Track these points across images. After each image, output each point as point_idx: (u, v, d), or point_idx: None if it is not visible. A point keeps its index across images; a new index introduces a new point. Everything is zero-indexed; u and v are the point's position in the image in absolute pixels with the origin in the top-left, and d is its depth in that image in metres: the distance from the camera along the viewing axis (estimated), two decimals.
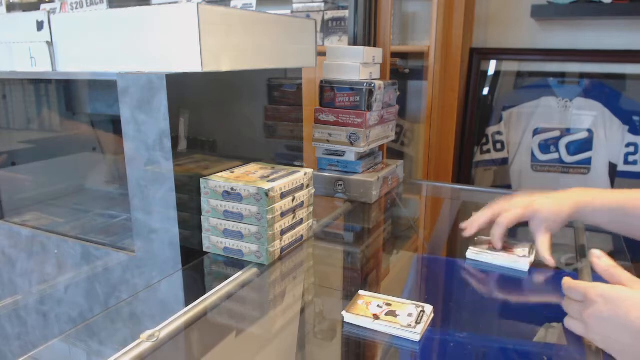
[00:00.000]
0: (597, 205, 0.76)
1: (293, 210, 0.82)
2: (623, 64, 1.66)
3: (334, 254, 0.91)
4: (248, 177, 0.80)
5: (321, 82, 1.11)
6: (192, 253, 0.80)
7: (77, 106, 1.20)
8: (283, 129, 1.02)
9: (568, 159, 1.72)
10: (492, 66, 1.82)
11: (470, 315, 0.66)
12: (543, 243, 0.78)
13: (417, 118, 1.90)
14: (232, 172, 0.83)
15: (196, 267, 0.79)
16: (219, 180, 0.78)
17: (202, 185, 0.79)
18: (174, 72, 0.72)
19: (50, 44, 0.83)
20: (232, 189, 0.76)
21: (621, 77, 1.66)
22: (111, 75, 0.77)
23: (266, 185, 0.74)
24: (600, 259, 0.60)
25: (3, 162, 1.09)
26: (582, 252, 0.85)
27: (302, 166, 1.07)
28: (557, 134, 1.73)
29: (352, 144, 1.09)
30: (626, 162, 1.64)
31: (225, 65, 0.75)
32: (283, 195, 0.78)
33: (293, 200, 0.81)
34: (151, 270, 0.80)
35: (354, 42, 1.23)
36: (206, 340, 0.62)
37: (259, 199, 0.74)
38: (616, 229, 0.78)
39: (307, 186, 0.85)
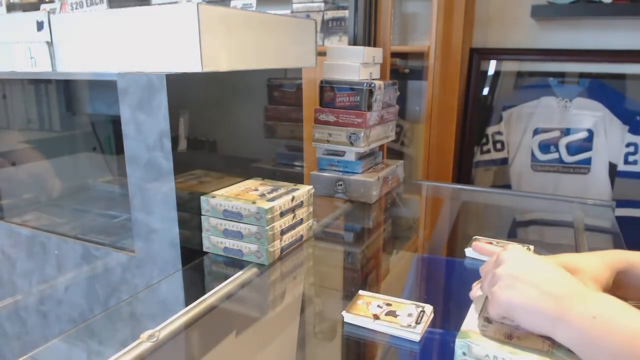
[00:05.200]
0: None
1: (293, 210, 0.82)
2: (623, 64, 1.66)
3: (334, 254, 0.91)
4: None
5: (321, 82, 1.11)
6: (192, 253, 0.80)
7: (77, 106, 1.20)
8: (283, 129, 1.02)
9: (568, 159, 1.72)
10: (492, 66, 1.82)
11: None
12: None
13: (417, 118, 1.90)
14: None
15: (196, 267, 0.79)
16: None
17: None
18: (174, 72, 0.72)
19: (50, 44, 0.83)
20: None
21: (621, 77, 1.66)
22: (111, 75, 0.77)
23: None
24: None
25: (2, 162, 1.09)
26: (582, 252, 0.85)
27: (302, 166, 1.07)
28: (557, 134, 1.73)
29: (352, 144, 1.09)
30: (626, 162, 1.64)
31: (225, 65, 0.75)
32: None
33: (292, 200, 0.81)
34: (151, 270, 0.80)
35: (354, 42, 1.23)
36: (206, 340, 0.62)
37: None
38: None
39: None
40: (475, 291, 0.60)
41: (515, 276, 0.50)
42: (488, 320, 0.54)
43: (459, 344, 0.50)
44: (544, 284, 0.48)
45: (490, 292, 0.52)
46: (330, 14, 1.71)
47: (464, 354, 0.50)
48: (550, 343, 0.49)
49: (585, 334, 0.44)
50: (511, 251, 0.54)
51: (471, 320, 0.54)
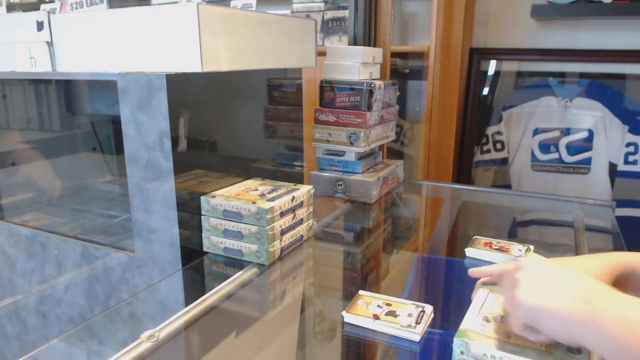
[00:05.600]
0: None
1: (293, 210, 0.82)
2: (623, 63, 1.66)
3: (334, 254, 0.91)
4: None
5: (321, 82, 1.11)
6: (192, 253, 0.80)
7: (77, 106, 1.20)
8: (283, 129, 1.02)
9: (568, 158, 1.71)
10: (492, 66, 1.82)
11: None
12: None
13: (417, 118, 1.90)
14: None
15: (196, 267, 0.79)
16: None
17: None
18: (174, 72, 0.72)
19: (50, 44, 0.83)
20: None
21: (621, 77, 1.66)
22: (111, 75, 0.77)
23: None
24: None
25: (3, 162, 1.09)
26: (582, 252, 0.85)
27: (302, 166, 1.07)
28: (557, 133, 1.73)
29: (352, 144, 1.09)
30: (626, 162, 1.64)
31: (225, 65, 0.75)
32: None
33: (292, 200, 0.81)
34: (151, 270, 0.80)
35: (354, 42, 1.23)
36: (206, 340, 0.62)
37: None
38: None
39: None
40: (477, 292, 0.60)
41: (539, 282, 0.48)
42: (487, 319, 0.54)
43: (457, 342, 0.50)
44: (570, 288, 0.46)
45: (512, 296, 0.50)
46: (330, 14, 1.71)
47: (462, 352, 0.50)
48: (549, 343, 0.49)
49: (617, 338, 0.42)
50: (530, 258, 0.52)
51: (470, 320, 0.54)
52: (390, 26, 1.27)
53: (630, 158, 1.63)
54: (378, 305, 0.64)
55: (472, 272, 0.62)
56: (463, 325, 0.52)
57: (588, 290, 0.46)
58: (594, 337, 0.43)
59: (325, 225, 0.98)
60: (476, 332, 0.51)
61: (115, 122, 1.24)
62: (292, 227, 0.82)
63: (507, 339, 0.50)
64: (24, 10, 1.19)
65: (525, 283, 0.49)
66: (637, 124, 1.62)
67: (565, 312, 0.45)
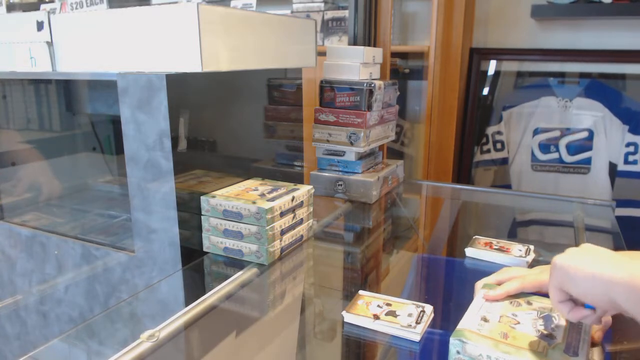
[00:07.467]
0: None
1: (293, 210, 0.82)
2: (623, 64, 1.66)
3: (334, 254, 0.91)
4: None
5: (321, 82, 1.11)
6: (192, 253, 0.80)
7: (77, 106, 1.20)
8: (283, 129, 1.02)
9: (568, 158, 1.72)
10: (492, 66, 1.82)
11: None
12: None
13: (417, 118, 1.90)
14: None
15: (196, 267, 0.79)
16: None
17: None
18: (174, 72, 0.72)
19: (50, 44, 0.83)
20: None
21: (621, 77, 1.66)
22: (111, 75, 0.77)
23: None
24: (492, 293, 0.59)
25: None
26: None
27: (302, 166, 1.07)
28: (557, 133, 1.73)
29: (352, 144, 1.09)
30: (626, 162, 1.64)
31: (225, 65, 0.75)
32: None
33: (292, 200, 0.81)
34: (151, 270, 0.80)
35: (354, 42, 1.23)
36: (206, 340, 0.62)
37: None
38: None
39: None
40: (477, 293, 0.60)
41: (580, 252, 0.50)
42: (485, 319, 0.54)
43: (453, 342, 0.50)
44: (606, 258, 0.48)
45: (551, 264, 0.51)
46: (330, 14, 1.71)
47: (458, 352, 0.50)
48: (546, 344, 0.49)
49: None
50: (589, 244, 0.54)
51: (468, 319, 0.54)
52: (390, 26, 1.27)
53: (630, 158, 1.63)
54: (378, 305, 0.64)
55: (488, 298, 0.60)
56: (460, 325, 0.52)
57: (625, 262, 0.46)
58: (630, 296, 0.43)
59: (325, 225, 0.98)
60: (473, 332, 0.51)
61: (115, 122, 1.24)
62: (292, 227, 0.82)
63: (504, 339, 0.50)
64: (24, 10, 1.19)
65: (568, 251, 0.50)
66: (637, 124, 1.62)
67: (597, 271, 0.46)
